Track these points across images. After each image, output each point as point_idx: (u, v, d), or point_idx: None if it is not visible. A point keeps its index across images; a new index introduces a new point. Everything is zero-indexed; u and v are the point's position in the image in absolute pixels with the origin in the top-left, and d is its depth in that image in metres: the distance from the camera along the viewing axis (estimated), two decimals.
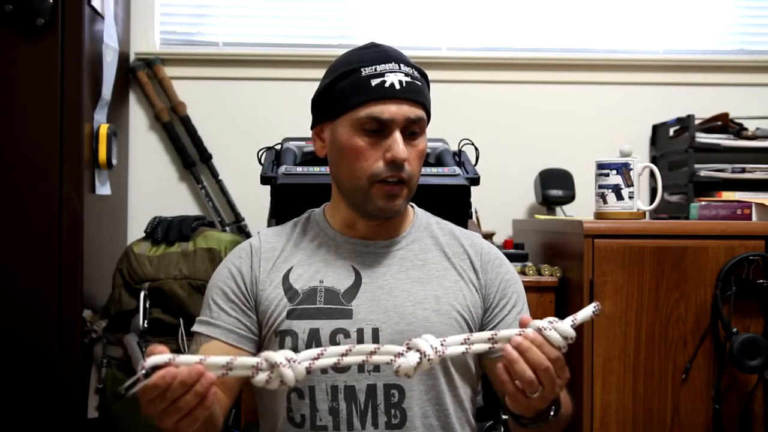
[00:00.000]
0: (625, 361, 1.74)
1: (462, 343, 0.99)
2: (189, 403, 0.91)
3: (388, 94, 1.17)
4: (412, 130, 1.20)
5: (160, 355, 0.90)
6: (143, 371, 0.88)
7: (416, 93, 1.20)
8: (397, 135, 1.18)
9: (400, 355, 0.96)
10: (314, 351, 0.96)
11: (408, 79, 1.19)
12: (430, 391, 1.20)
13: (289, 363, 0.93)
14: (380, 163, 1.18)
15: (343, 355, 0.96)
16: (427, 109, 1.22)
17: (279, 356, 0.93)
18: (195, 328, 1.25)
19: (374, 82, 1.18)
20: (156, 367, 0.89)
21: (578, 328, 1.00)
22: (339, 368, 1.18)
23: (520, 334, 0.98)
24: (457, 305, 1.24)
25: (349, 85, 1.20)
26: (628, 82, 2.55)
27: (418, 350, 0.96)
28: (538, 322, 0.99)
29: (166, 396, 0.90)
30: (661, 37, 2.60)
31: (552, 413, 1.07)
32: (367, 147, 1.18)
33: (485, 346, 0.99)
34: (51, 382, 1.85)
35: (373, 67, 1.19)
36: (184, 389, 0.90)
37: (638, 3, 2.59)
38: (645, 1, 2.59)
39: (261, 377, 0.93)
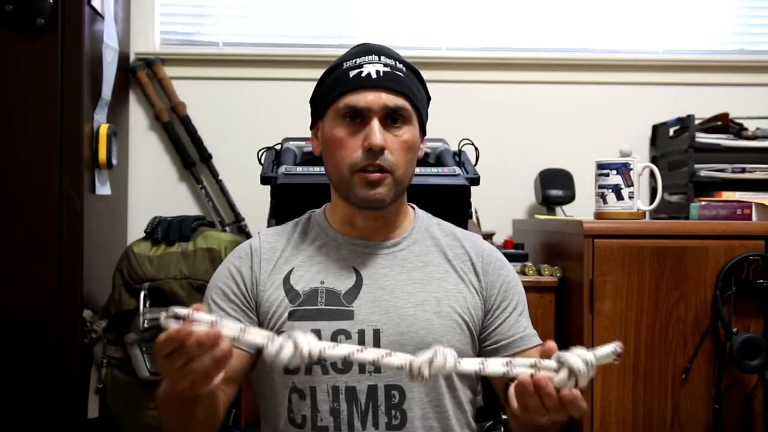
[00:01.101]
0: (625, 361, 1.74)
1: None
2: (205, 365, 0.90)
3: (364, 84, 1.20)
4: (393, 119, 1.21)
5: (180, 308, 0.90)
6: (160, 321, 0.89)
7: (396, 82, 1.21)
8: (375, 123, 1.19)
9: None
10: (329, 343, 0.95)
11: (386, 69, 1.21)
12: (431, 392, 1.21)
13: (304, 334, 0.92)
14: (359, 152, 1.19)
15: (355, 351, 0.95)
16: (412, 100, 1.22)
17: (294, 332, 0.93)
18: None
19: (352, 73, 1.21)
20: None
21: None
22: (340, 369, 1.18)
23: (534, 365, 0.94)
24: (458, 307, 1.24)
25: (333, 80, 1.24)
26: (628, 82, 2.55)
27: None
28: (553, 362, 0.93)
29: (183, 354, 0.90)
30: (661, 37, 2.60)
31: None
32: (347, 137, 1.20)
33: (501, 371, 0.95)
34: (51, 382, 1.84)
35: (353, 60, 1.23)
36: (200, 350, 0.90)
37: (638, 3, 2.59)
38: (645, 1, 2.59)
39: (273, 347, 0.92)
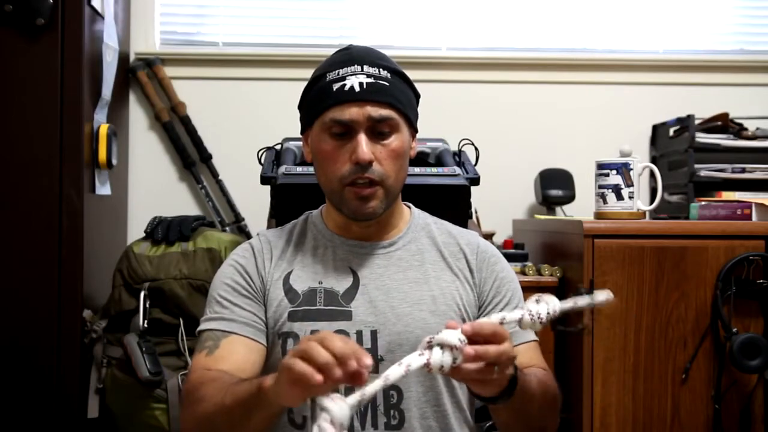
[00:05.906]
0: (625, 361, 1.74)
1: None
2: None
3: (348, 97, 1.19)
4: (380, 130, 1.20)
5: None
6: None
7: (380, 93, 1.20)
8: (361, 137, 1.18)
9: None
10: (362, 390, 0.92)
11: (370, 80, 1.20)
12: (428, 392, 1.21)
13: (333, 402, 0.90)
14: (348, 165, 1.19)
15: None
16: (398, 108, 1.21)
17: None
18: (208, 325, 1.22)
19: (336, 86, 1.20)
20: None
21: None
22: None
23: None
24: (454, 305, 1.24)
25: (317, 92, 1.23)
26: (628, 82, 2.55)
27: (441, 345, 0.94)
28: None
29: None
30: (661, 37, 2.60)
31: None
32: (334, 150, 1.20)
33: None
34: (51, 382, 1.84)
35: (336, 72, 1.21)
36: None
37: (638, 3, 2.59)
38: (645, 1, 2.59)
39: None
